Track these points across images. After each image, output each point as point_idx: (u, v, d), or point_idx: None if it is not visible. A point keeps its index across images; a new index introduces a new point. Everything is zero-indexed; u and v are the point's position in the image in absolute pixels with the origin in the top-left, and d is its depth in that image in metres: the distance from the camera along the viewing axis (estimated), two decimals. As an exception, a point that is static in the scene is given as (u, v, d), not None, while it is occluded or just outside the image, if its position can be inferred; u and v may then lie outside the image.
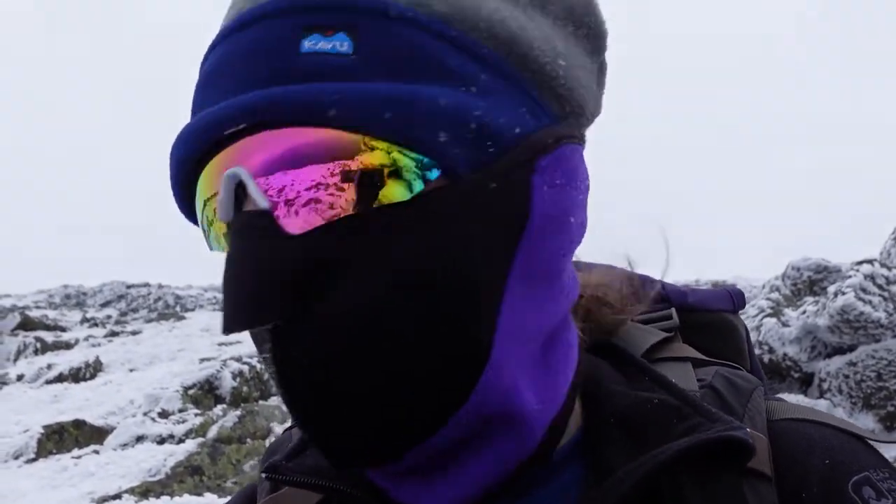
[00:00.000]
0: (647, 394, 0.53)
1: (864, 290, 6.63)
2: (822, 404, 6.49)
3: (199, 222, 0.52)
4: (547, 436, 0.51)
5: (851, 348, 6.81)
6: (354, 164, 0.44)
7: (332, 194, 0.44)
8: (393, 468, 0.49)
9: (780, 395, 0.64)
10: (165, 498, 6.62)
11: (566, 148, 0.50)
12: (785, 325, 7.27)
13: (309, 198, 0.45)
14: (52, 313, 20.96)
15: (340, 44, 0.44)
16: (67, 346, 15.08)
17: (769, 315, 7.47)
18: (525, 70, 0.48)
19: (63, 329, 17.68)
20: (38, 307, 23.00)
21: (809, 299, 7.46)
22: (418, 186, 0.44)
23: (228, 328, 0.45)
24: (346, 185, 0.44)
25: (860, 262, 7.11)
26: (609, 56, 0.57)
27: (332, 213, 0.44)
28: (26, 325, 16.55)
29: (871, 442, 0.53)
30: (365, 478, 0.52)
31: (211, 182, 0.48)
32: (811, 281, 7.95)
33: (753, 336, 3.88)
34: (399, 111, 0.43)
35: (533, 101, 0.49)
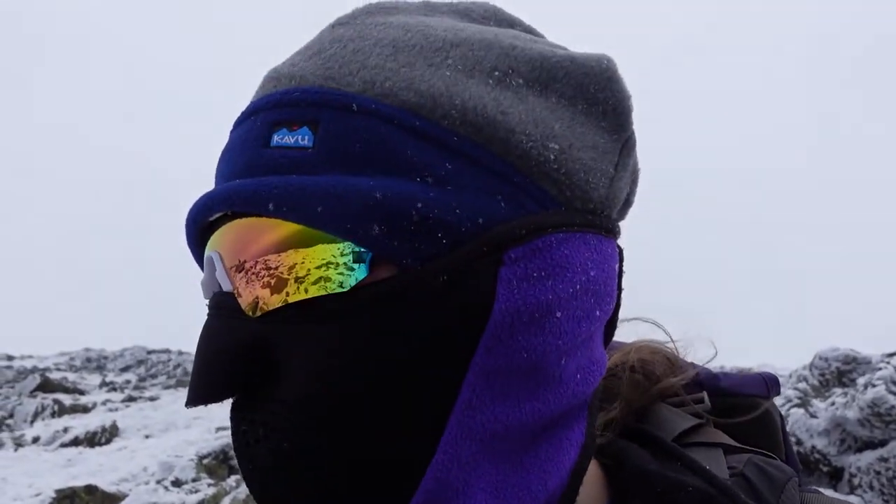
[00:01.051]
0: (681, 477, 0.52)
1: (895, 383, 6.46)
2: (853, 500, 6.24)
3: None
4: None
5: (883, 443, 6.58)
6: (296, 254, 0.46)
7: (271, 281, 0.46)
8: None
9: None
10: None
11: (552, 237, 0.47)
12: (813, 416, 7.06)
13: (251, 283, 0.47)
14: (71, 376, 20.96)
15: (302, 138, 0.47)
16: (85, 409, 15.01)
17: (797, 405, 7.27)
18: (508, 155, 0.47)
19: (82, 392, 17.63)
20: (58, 369, 23.05)
21: (838, 390, 7.26)
22: (356, 277, 0.45)
23: (189, 402, 0.47)
24: (284, 273, 0.46)
25: (891, 354, 6.95)
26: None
27: (269, 299, 0.46)
28: (45, 386, 16.55)
29: None
30: None
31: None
32: (839, 372, 7.76)
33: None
34: (330, 205, 0.44)
35: (515, 188, 0.47)
